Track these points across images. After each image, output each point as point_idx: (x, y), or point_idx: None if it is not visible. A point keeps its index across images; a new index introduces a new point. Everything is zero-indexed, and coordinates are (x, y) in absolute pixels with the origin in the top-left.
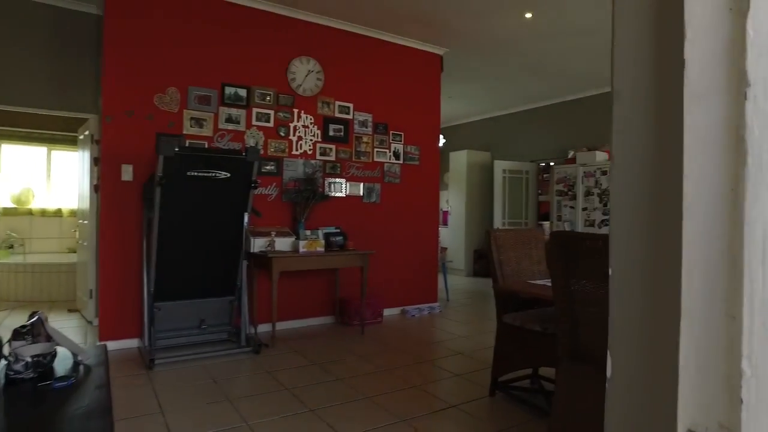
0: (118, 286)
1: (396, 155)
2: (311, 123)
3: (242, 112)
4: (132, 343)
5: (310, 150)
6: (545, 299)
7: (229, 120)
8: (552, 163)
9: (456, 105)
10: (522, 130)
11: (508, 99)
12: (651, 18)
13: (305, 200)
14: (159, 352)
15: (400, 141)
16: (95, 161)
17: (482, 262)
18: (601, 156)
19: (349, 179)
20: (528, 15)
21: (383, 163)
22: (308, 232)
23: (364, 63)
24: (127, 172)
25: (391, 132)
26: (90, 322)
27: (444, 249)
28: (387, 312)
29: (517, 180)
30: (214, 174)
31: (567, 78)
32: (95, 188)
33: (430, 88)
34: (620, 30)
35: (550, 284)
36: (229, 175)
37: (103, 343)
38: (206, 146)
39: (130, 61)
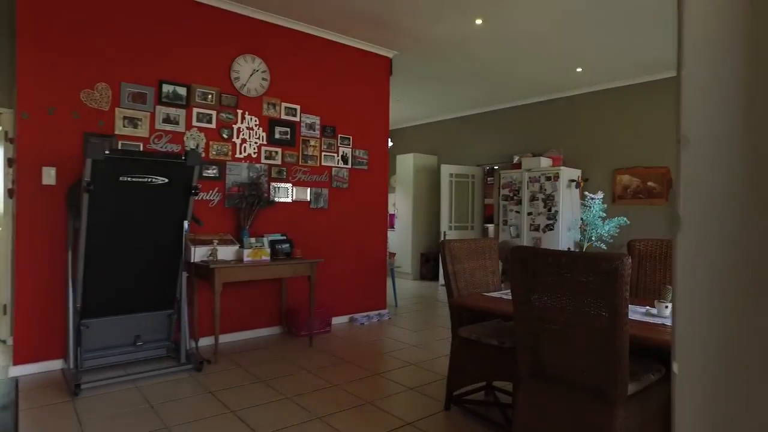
0: (38, 301)
1: (344, 159)
2: (256, 125)
3: (182, 112)
4: (54, 365)
5: (254, 153)
6: (504, 315)
7: (167, 120)
8: (495, 167)
9: (403, 108)
10: (469, 135)
11: (456, 103)
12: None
13: (249, 206)
14: (87, 374)
15: (349, 145)
16: (9, 162)
17: (429, 265)
18: (545, 162)
19: (296, 184)
20: (479, 21)
21: (331, 167)
22: (253, 240)
23: (312, 64)
24: (49, 176)
25: (339, 135)
26: (3, 341)
27: (392, 254)
28: (336, 320)
29: (464, 184)
30: (149, 179)
31: (514, 84)
32: (9, 192)
33: (379, 91)
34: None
35: (506, 297)
36: (166, 180)
37: (13, 377)
38: (141, 148)
39: (51, 50)
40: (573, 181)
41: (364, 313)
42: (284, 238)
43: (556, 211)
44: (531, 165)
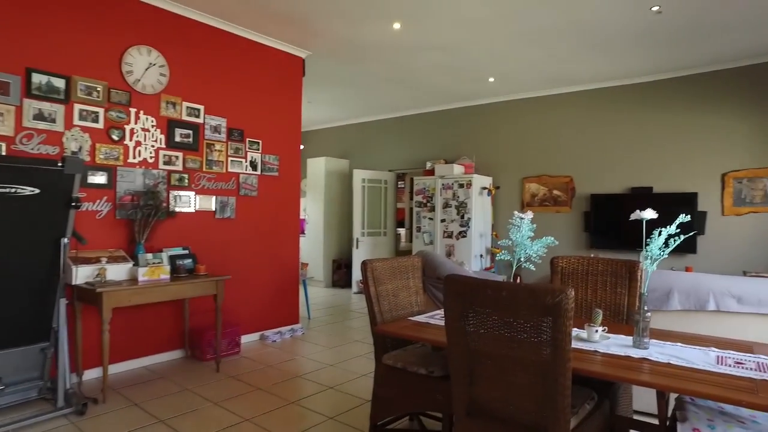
0: None
1: (253, 165)
2: (153, 126)
3: (59, 108)
4: None
5: (151, 158)
6: (435, 344)
7: (39, 117)
8: (405, 172)
9: (315, 110)
10: (381, 139)
11: (369, 107)
12: None
13: (145, 217)
14: None
15: (258, 149)
16: None
17: (342, 272)
18: (458, 169)
19: (200, 192)
20: (396, 25)
21: (239, 173)
22: (149, 256)
23: (219, 61)
24: None
25: (247, 139)
26: None
27: (305, 265)
28: (245, 339)
29: (376, 189)
30: (14, 190)
31: (428, 91)
32: None
33: (291, 93)
34: None
35: (434, 321)
36: (38, 190)
37: None
38: (3, 151)
39: None
40: (485, 188)
41: (276, 330)
42: (186, 252)
43: (469, 218)
44: (444, 172)
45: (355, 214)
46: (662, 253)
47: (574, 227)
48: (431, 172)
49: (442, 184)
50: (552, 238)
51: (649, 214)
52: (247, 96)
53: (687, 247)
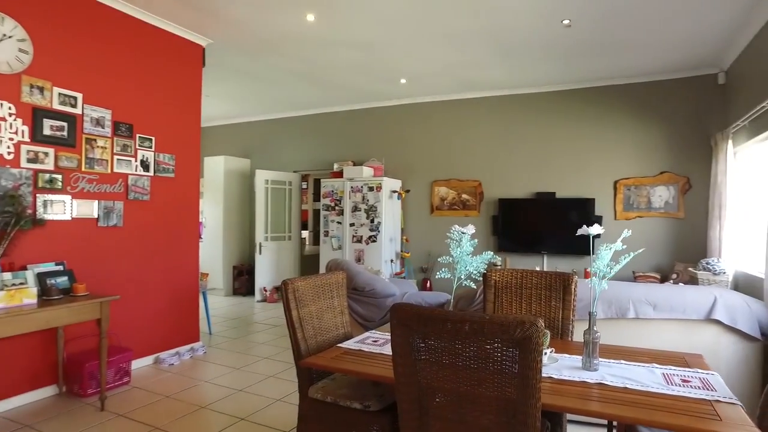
0: None
1: (145, 165)
2: (11, 114)
3: None
4: None
5: (9, 154)
6: (382, 380)
7: None
8: (310, 174)
9: (214, 104)
10: (286, 138)
11: (274, 104)
12: None
13: (2, 227)
14: None
15: (151, 147)
16: None
17: (243, 279)
18: (367, 171)
19: (78, 196)
20: (310, 17)
21: (127, 174)
22: (8, 276)
23: (103, 42)
24: None
25: (138, 135)
26: None
27: (204, 275)
28: (137, 365)
29: (280, 191)
30: None
31: (339, 89)
32: None
33: (189, 85)
34: None
35: (368, 347)
36: None
37: None
38: None
39: None
40: (395, 192)
41: (174, 351)
42: (61, 268)
43: (379, 223)
44: (353, 174)
45: (258, 217)
46: (610, 271)
47: (483, 231)
48: (339, 174)
49: (351, 187)
50: (492, 253)
51: (596, 229)
52: (138, 86)
53: (585, 250)
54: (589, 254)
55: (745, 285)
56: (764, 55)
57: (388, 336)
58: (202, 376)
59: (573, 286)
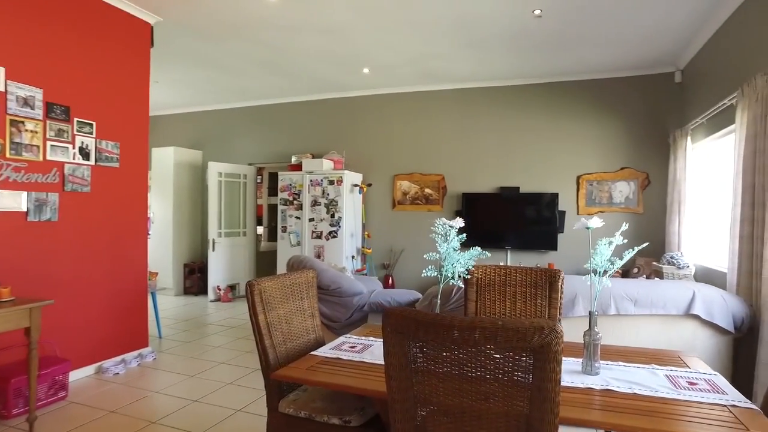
0: None
1: (84, 153)
2: None
3: None
4: None
5: None
6: (370, 394)
7: None
8: (264, 167)
9: (163, 91)
10: (241, 130)
11: (229, 92)
12: None
13: None
14: None
15: (91, 133)
16: None
17: (194, 277)
18: (327, 164)
19: (1, 186)
20: None
21: (63, 163)
22: None
23: (30, 11)
24: None
25: (75, 119)
26: None
27: (154, 274)
28: (75, 376)
29: (235, 184)
30: None
31: (299, 79)
32: None
33: (136, 66)
34: None
35: (346, 355)
36: None
37: None
38: None
39: None
40: (356, 185)
41: (119, 358)
42: None
43: (340, 218)
44: (312, 167)
45: (211, 212)
46: (613, 267)
47: None
48: (298, 167)
49: (311, 180)
50: (479, 249)
51: (595, 222)
52: (77, 64)
53: (549, 245)
54: (555, 249)
55: (705, 279)
56: (718, 56)
57: (365, 341)
58: (152, 386)
59: (560, 283)
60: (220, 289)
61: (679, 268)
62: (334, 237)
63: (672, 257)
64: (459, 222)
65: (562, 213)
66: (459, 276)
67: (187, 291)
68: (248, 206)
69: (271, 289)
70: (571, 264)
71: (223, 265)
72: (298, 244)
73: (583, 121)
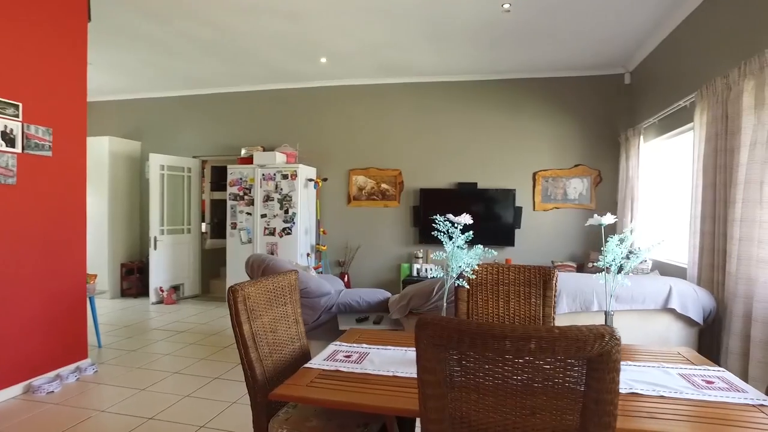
0: None
1: (8, 139)
2: None
3: None
4: None
5: None
6: (390, 412)
7: None
8: (208, 159)
9: (97, 75)
10: (184, 119)
11: (172, 78)
12: None
13: None
14: None
15: (16, 116)
16: None
17: (133, 278)
18: (280, 158)
19: None
20: None
21: None
22: None
23: None
24: None
25: None
26: None
27: (92, 276)
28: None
29: (178, 178)
30: None
31: (251, 66)
32: None
33: (71, 42)
34: None
35: (345, 366)
36: None
37: None
38: None
39: None
40: (311, 180)
41: (53, 374)
42: None
43: (295, 213)
44: (265, 160)
45: (152, 207)
46: (631, 263)
47: (403, 222)
48: (248, 160)
49: (263, 174)
50: (482, 248)
51: (608, 219)
52: None
53: (506, 240)
54: (512, 245)
55: (660, 273)
56: (669, 60)
57: (359, 348)
58: (96, 404)
59: (554, 281)
60: (162, 291)
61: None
62: (288, 234)
63: (630, 252)
64: (466, 218)
65: (519, 209)
66: (464, 276)
67: (125, 293)
68: (193, 201)
69: (255, 295)
70: (527, 259)
71: (166, 265)
72: (250, 241)
73: (539, 119)
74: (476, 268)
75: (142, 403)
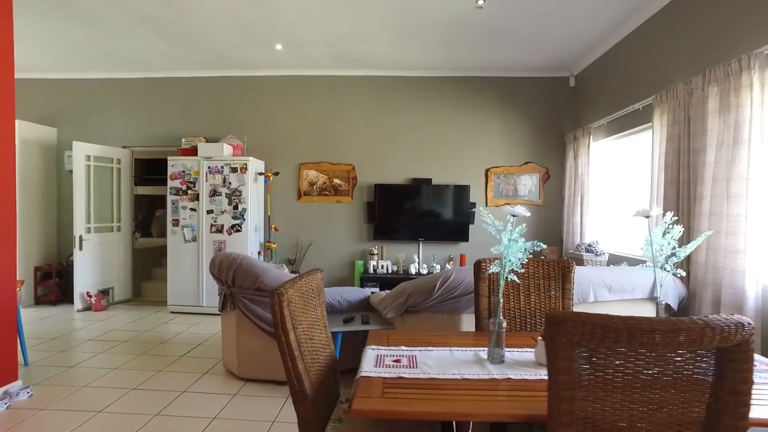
0: None
1: None
2: None
3: None
4: None
5: None
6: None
7: None
8: (130, 149)
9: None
10: (113, 105)
11: (103, 58)
12: None
13: None
14: None
15: None
16: None
17: (51, 283)
18: (228, 150)
19: None
20: None
21: None
22: None
23: None
24: None
25: None
26: None
27: (20, 282)
28: None
29: (106, 170)
30: None
31: (198, 49)
32: None
33: None
34: None
35: (408, 373)
36: None
37: None
38: None
39: None
40: (261, 174)
41: None
42: None
43: (245, 209)
44: (211, 152)
45: (77, 203)
46: (679, 253)
47: (357, 218)
48: (191, 152)
49: (209, 167)
50: (540, 243)
51: (655, 211)
52: None
53: (461, 236)
54: (467, 240)
55: (618, 264)
56: (616, 66)
57: (403, 351)
58: None
59: (572, 274)
60: (90, 296)
61: (597, 255)
62: (238, 231)
63: (590, 245)
64: (522, 210)
65: (473, 205)
66: (513, 271)
67: (41, 300)
68: (123, 196)
69: (296, 299)
70: (481, 254)
71: (94, 267)
72: (194, 239)
73: (492, 117)
74: (525, 261)
75: (106, 428)
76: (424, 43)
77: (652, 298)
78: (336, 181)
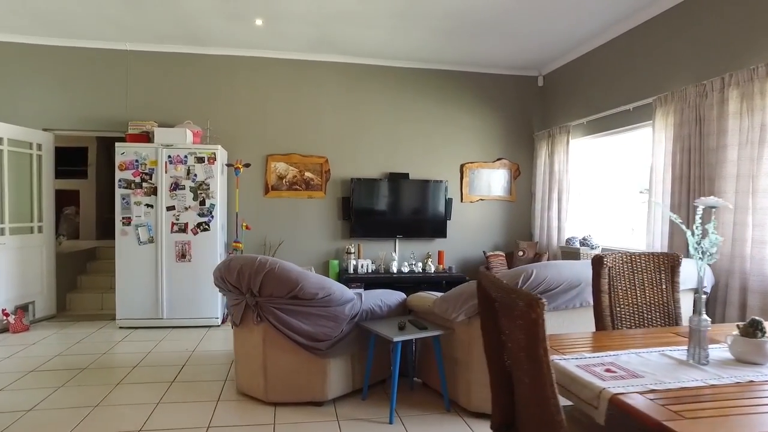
0: None
1: None
2: None
3: None
4: None
5: None
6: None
7: None
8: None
9: None
10: (33, 78)
11: (24, 17)
12: None
13: None
14: None
15: None
16: None
17: None
18: (191, 136)
19: None
20: None
21: None
22: None
23: None
24: None
25: None
26: None
27: None
28: None
29: (23, 157)
30: None
31: (158, 15)
32: None
33: None
34: None
35: (661, 383)
36: None
37: None
38: None
39: None
40: (230, 165)
41: None
42: None
43: (213, 205)
44: (172, 139)
45: None
46: (716, 242)
47: (330, 215)
48: (143, 138)
49: (170, 157)
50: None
51: (713, 201)
52: None
53: (439, 232)
54: (444, 236)
55: None
56: (590, 70)
57: (597, 359)
58: None
59: (680, 267)
60: (7, 315)
61: (592, 248)
62: (206, 230)
63: (584, 239)
64: (716, 201)
65: (450, 200)
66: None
67: None
68: (45, 190)
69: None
70: (458, 251)
71: (10, 277)
72: (151, 240)
73: (467, 112)
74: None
75: None
76: (417, 33)
77: (691, 288)
78: (308, 174)
